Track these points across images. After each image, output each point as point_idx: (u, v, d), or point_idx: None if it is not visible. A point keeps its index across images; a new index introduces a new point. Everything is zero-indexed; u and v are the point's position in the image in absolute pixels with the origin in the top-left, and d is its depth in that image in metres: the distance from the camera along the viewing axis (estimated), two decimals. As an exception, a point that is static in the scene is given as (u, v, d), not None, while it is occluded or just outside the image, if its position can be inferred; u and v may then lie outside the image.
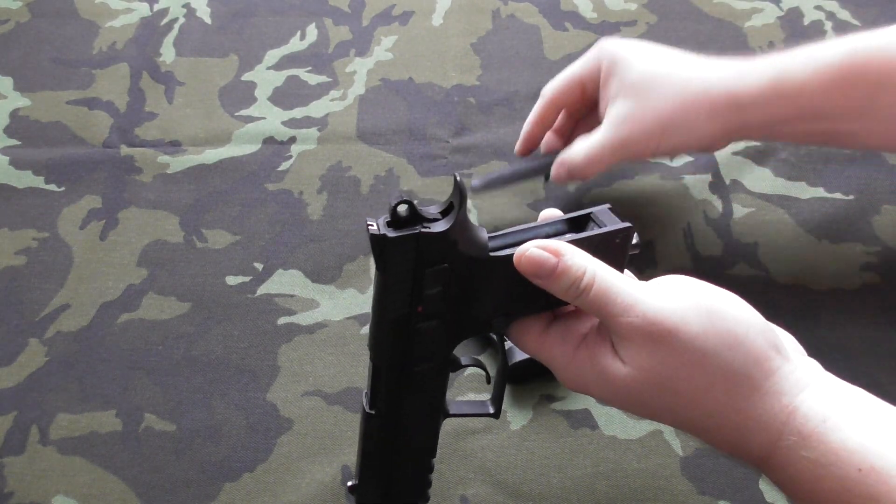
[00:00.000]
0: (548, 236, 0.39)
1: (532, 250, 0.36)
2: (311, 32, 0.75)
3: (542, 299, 0.38)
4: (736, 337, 0.35)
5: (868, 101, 0.49)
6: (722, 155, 0.65)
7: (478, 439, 0.52)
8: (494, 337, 0.41)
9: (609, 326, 0.37)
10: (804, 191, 0.63)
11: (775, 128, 0.52)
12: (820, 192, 0.63)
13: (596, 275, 0.36)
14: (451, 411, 0.42)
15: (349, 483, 0.44)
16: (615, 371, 0.36)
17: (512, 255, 0.37)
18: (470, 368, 0.54)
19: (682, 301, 0.36)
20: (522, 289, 0.37)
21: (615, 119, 0.53)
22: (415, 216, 0.35)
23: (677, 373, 0.35)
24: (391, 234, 0.35)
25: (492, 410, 0.42)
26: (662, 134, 0.52)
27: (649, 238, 0.60)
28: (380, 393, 0.40)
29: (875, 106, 0.49)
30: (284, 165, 0.66)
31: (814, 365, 0.37)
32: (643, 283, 0.38)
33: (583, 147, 0.54)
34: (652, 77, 0.52)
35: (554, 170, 0.56)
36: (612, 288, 0.36)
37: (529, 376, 0.54)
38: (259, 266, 0.60)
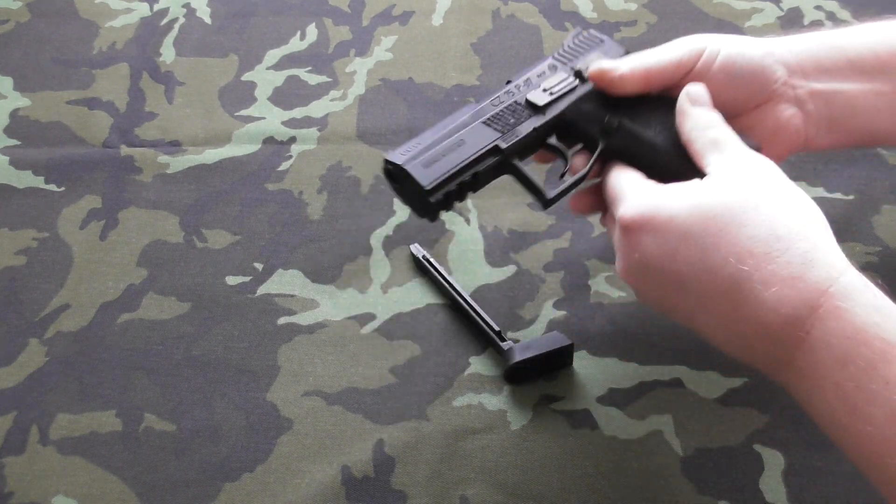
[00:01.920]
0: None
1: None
2: (311, 32, 0.75)
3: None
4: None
5: None
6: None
7: (478, 439, 0.52)
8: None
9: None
10: (804, 191, 0.63)
11: (833, 84, 0.49)
12: (820, 192, 0.63)
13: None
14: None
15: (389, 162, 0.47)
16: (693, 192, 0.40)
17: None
18: (469, 369, 0.54)
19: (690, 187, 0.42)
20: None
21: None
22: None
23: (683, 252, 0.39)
24: None
25: (549, 196, 0.48)
26: (724, 56, 0.47)
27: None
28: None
29: None
30: (284, 165, 0.66)
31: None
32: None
33: (631, 58, 0.49)
34: None
35: (592, 67, 0.49)
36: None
37: (530, 376, 0.54)
38: (259, 266, 0.60)
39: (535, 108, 0.49)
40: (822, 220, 0.39)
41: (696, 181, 0.41)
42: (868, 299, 0.35)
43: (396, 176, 0.47)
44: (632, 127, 0.47)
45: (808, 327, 0.35)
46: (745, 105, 0.48)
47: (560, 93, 0.49)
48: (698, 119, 0.44)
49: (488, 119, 0.48)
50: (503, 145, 0.47)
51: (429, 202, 0.46)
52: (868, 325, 0.34)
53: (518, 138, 0.48)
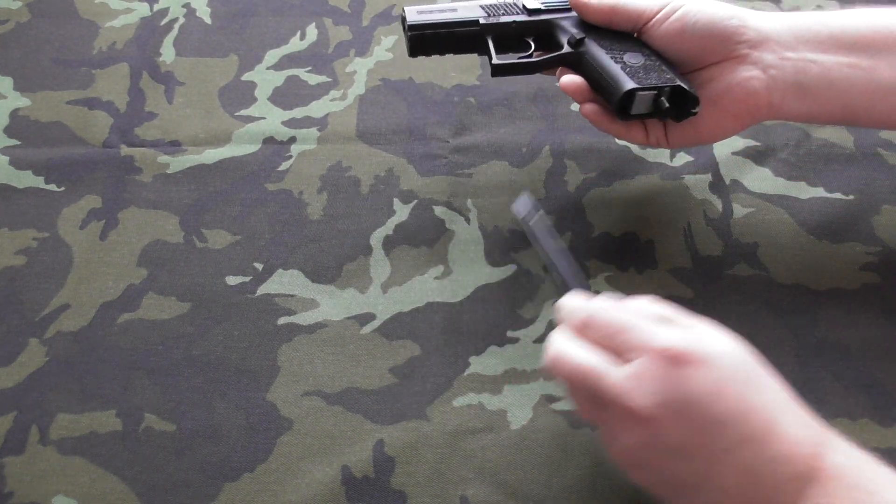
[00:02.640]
0: None
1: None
2: (311, 32, 0.75)
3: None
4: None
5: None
6: (722, 155, 0.65)
7: (478, 439, 0.52)
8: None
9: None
10: (804, 191, 0.63)
11: (809, 54, 0.51)
12: (820, 192, 0.63)
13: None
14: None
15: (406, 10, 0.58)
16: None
17: None
18: (469, 369, 0.54)
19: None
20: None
21: None
22: None
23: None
24: None
25: (496, 61, 0.57)
26: (683, 10, 0.53)
27: (649, 238, 0.60)
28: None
29: None
30: (284, 165, 0.66)
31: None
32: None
33: None
34: None
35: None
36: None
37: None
38: (259, 266, 0.60)
39: (525, 9, 0.59)
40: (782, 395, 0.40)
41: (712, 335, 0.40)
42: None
43: (403, 21, 0.59)
44: (591, 45, 0.55)
45: (824, 459, 0.38)
46: (699, 58, 0.53)
47: (551, 7, 0.59)
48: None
49: (486, 4, 0.59)
50: (482, 21, 0.58)
51: (407, 35, 0.58)
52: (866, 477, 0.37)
53: (497, 22, 0.58)
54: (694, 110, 0.52)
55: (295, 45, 0.74)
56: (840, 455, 0.38)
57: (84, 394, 0.54)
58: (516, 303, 0.58)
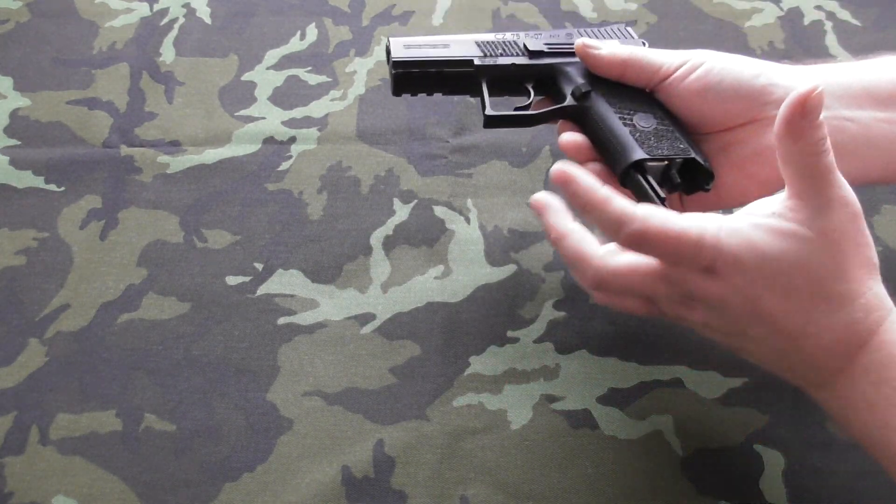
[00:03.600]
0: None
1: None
2: (311, 32, 0.75)
3: None
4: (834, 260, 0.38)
5: None
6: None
7: (478, 439, 0.52)
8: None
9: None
10: (804, 191, 0.63)
11: (845, 111, 0.47)
12: (820, 192, 0.62)
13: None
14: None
15: (391, 42, 0.53)
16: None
17: None
18: (469, 369, 0.54)
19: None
20: None
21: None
22: None
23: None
24: None
25: (489, 112, 0.52)
26: (704, 52, 0.48)
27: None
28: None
29: None
30: (284, 165, 0.66)
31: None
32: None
33: (617, 44, 0.51)
34: None
35: (579, 40, 0.51)
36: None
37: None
38: (259, 266, 0.60)
39: (526, 50, 0.53)
40: (876, 260, 0.40)
41: (785, 223, 0.39)
42: None
43: (388, 54, 0.53)
44: (597, 100, 0.50)
45: (854, 359, 0.38)
46: (723, 120, 0.48)
47: (555, 50, 0.53)
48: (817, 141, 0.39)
49: (482, 42, 0.53)
50: (477, 62, 0.52)
51: (392, 73, 0.53)
52: None
53: (493, 63, 0.52)
54: (707, 187, 0.48)
55: (295, 45, 0.74)
56: (875, 353, 0.38)
57: (84, 394, 0.54)
58: (516, 303, 0.58)
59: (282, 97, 0.70)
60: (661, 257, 0.41)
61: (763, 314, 0.39)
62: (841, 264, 0.39)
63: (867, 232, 0.40)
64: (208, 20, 0.76)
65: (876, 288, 0.39)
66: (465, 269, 0.59)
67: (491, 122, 0.52)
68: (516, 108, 0.52)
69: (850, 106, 0.47)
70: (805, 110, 0.37)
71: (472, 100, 0.69)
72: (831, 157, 0.38)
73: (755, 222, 0.39)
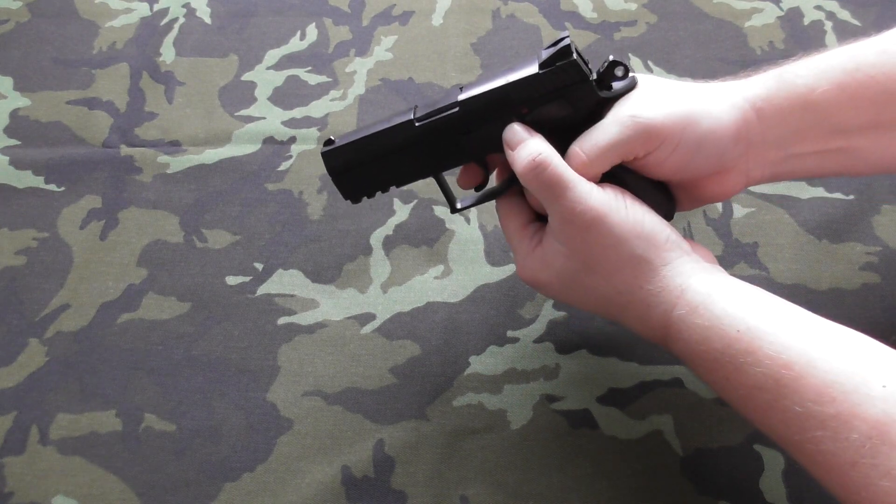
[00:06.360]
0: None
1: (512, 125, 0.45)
2: (311, 32, 0.75)
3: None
4: (643, 227, 0.43)
5: (875, 113, 0.45)
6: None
7: (478, 439, 0.52)
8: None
9: (555, 209, 0.43)
10: (804, 191, 0.63)
11: (792, 145, 0.46)
12: (820, 192, 0.63)
13: (551, 159, 0.43)
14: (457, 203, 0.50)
15: (330, 139, 0.48)
16: (555, 250, 0.44)
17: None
18: (469, 369, 0.54)
19: (611, 191, 0.44)
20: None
21: (629, 104, 0.44)
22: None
23: (603, 252, 0.43)
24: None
25: (458, 206, 0.49)
26: (688, 118, 0.44)
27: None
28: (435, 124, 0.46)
29: (881, 119, 0.46)
30: (284, 165, 0.66)
31: (708, 265, 0.44)
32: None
33: (585, 140, 0.44)
34: (663, 83, 0.47)
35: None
36: (565, 173, 0.43)
37: None
38: (259, 266, 0.60)
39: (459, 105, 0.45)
40: (671, 230, 0.45)
41: (613, 193, 0.44)
42: (704, 308, 0.42)
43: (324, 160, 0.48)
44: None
45: (671, 319, 0.43)
46: (695, 176, 0.46)
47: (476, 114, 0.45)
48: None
49: (415, 111, 0.46)
50: (416, 122, 0.45)
51: (327, 167, 0.48)
52: (722, 317, 0.41)
53: (430, 120, 0.45)
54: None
55: (295, 45, 0.74)
56: (686, 313, 0.42)
57: (84, 394, 0.54)
58: (516, 303, 0.58)
59: (282, 97, 0.70)
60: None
61: (600, 275, 0.44)
62: (601, 272, 0.44)
63: (617, 231, 0.43)
64: (208, 20, 0.76)
65: (657, 277, 0.43)
66: (465, 269, 0.59)
67: (461, 210, 0.50)
68: (477, 189, 0.49)
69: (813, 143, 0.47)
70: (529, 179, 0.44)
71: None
72: (551, 169, 0.43)
73: (607, 193, 0.44)
